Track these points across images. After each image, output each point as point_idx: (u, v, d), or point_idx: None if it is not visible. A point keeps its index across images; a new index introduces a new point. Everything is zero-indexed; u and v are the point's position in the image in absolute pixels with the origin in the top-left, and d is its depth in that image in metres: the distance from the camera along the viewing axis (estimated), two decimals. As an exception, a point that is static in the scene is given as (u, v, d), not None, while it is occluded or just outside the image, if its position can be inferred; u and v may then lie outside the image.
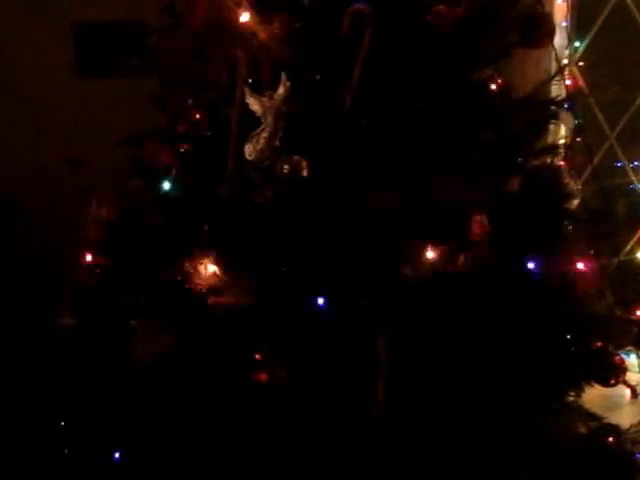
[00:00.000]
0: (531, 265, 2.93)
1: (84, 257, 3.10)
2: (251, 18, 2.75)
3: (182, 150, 3.08)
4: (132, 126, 3.04)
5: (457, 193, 2.79)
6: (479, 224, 2.77)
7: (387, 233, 2.71)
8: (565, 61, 3.87)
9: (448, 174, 2.80)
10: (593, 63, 4.60)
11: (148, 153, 3.09)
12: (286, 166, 2.67)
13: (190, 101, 3.10)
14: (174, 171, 3.02)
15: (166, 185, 3.03)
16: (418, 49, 2.85)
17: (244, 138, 2.75)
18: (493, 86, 3.05)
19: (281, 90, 2.70)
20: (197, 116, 3.06)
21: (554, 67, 3.90)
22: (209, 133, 3.06)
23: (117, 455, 2.90)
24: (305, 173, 2.68)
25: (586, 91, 4.23)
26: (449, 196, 2.77)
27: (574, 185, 3.13)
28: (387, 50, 2.79)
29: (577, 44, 4.41)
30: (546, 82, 3.25)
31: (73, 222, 3.17)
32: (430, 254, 2.69)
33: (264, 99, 2.71)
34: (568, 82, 3.77)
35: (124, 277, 2.98)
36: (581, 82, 4.28)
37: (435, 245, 2.70)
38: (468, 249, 2.75)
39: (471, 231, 2.75)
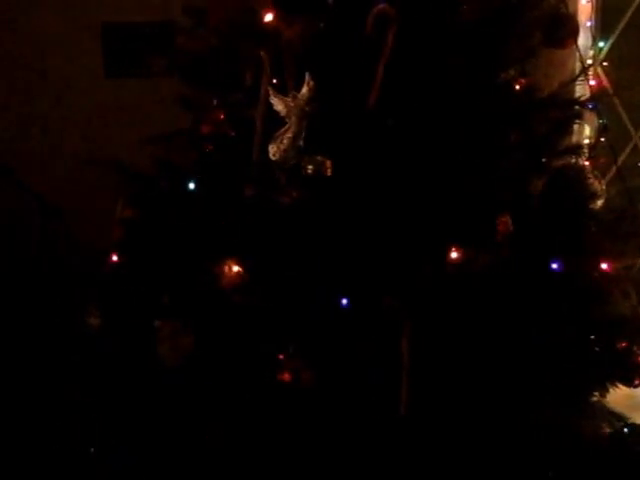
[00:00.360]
0: (555, 265, 2.93)
1: (110, 257, 3.11)
2: (275, 18, 2.76)
3: (207, 150, 3.09)
4: (157, 126, 3.05)
5: (481, 193, 2.80)
6: (503, 224, 2.77)
7: (412, 233, 2.71)
8: (589, 61, 3.85)
9: (473, 174, 2.80)
10: (617, 63, 4.59)
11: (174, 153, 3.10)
12: (310, 166, 2.67)
13: (215, 101, 3.11)
14: (199, 171, 3.03)
15: (191, 185, 3.04)
16: (442, 49, 2.85)
17: (268, 138, 2.75)
18: (518, 86, 3.06)
19: (305, 90, 2.69)
20: (221, 116, 3.06)
21: (578, 67, 3.88)
22: (233, 133, 3.06)
23: (141, 454, 2.92)
24: (329, 173, 2.68)
25: (610, 91, 4.21)
26: (473, 196, 2.78)
27: (598, 185, 3.12)
28: (412, 50, 2.79)
29: (601, 44, 4.39)
30: (570, 82, 3.24)
31: (102, 222, 3.17)
32: (454, 254, 2.69)
33: (288, 99, 2.70)
34: (592, 82, 3.74)
35: (149, 277, 2.99)
36: (605, 82, 4.26)
37: (459, 245, 2.70)
38: (492, 249, 2.75)
39: (496, 231, 2.75)
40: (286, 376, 2.67)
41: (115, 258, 3.10)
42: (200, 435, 2.79)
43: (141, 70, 4.76)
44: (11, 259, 4.40)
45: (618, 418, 3.06)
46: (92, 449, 2.95)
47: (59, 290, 4.06)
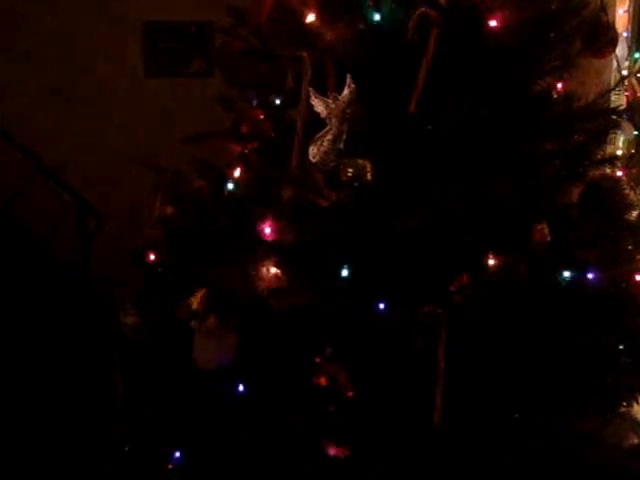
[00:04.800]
0: (589, 275, 2.92)
1: (147, 256, 3.11)
2: (317, 19, 2.75)
3: (246, 151, 3.09)
4: (197, 125, 3.06)
5: (518, 201, 2.80)
6: (540, 233, 2.77)
7: (449, 240, 2.71)
8: (624, 72, 3.83)
9: (509, 182, 2.80)
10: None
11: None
12: (350, 169, 2.65)
13: (254, 102, 3.11)
14: (238, 171, 3.03)
15: (229, 185, 3.04)
16: (482, 56, 2.84)
17: (308, 140, 2.75)
18: (555, 94, 3.05)
19: (346, 92, 2.67)
20: (261, 117, 3.06)
21: (614, 78, 3.87)
22: (273, 134, 3.06)
23: (178, 455, 2.93)
24: (369, 177, 2.66)
25: (645, 102, 4.20)
26: (510, 204, 2.78)
27: (634, 196, 3.11)
28: (452, 57, 2.78)
29: (637, 55, 4.38)
30: (608, 91, 3.23)
31: (138, 221, 3.18)
32: (491, 262, 2.69)
33: (329, 101, 2.69)
34: (626, 93, 3.74)
35: (186, 277, 2.99)
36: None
37: (497, 253, 2.70)
38: (529, 257, 2.75)
39: (532, 239, 2.74)
40: (322, 380, 2.67)
41: (152, 257, 3.11)
42: (239, 436, 2.79)
43: (180, 70, 4.80)
44: (50, 258, 4.43)
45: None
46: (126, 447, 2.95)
47: (97, 289, 4.09)
